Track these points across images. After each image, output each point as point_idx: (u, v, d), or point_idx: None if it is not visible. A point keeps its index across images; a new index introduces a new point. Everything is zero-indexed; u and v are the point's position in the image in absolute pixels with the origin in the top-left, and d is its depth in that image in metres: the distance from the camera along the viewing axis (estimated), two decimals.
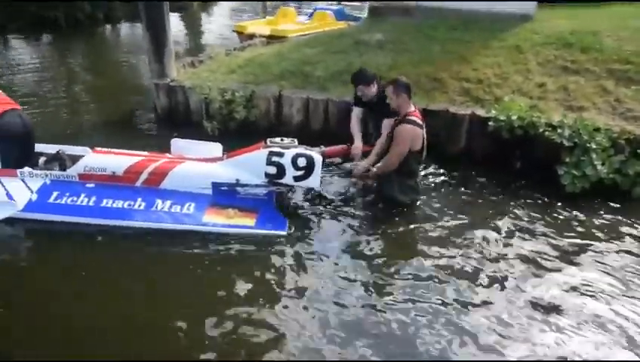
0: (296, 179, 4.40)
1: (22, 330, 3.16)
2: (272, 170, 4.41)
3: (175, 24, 13.89)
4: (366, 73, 4.97)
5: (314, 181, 4.42)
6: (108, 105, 7.86)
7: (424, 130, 4.41)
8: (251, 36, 10.54)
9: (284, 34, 10.59)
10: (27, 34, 13.75)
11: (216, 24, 17.73)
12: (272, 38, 9.93)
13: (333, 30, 8.91)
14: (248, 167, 4.49)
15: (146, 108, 7.21)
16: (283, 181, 4.44)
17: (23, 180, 4.48)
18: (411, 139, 4.32)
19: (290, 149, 4.43)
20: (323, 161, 4.48)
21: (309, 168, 4.36)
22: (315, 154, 4.42)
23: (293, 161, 4.36)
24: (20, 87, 8.57)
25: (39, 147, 4.92)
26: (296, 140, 4.62)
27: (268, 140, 4.58)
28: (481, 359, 2.98)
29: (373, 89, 4.87)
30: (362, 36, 7.29)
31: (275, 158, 4.39)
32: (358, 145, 4.94)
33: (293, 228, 4.23)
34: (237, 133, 6.01)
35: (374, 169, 4.54)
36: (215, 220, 4.25)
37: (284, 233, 4.16)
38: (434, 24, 7.37)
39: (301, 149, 4.45)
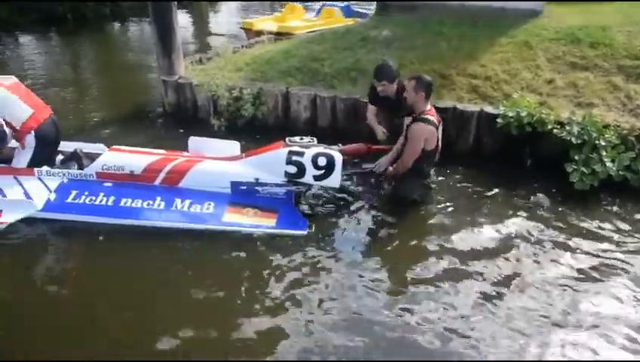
0: (317, 178, 4.40)
1: (23, 331, 3.18)
2: (292, 169, 4.40)
3: (183, 21, 13.92)
4: (391, 69, 4.89)
5: (334, 180, 4.40)
6: (116, 101, 7.88)
7: (439, 129, 4.40)
8: (259, 33, 10.54)
9: (292, 30, 10.58)
10: (35, 30, 13.79)
11: (223, 21, 17.73)
12: (279, 35, 9.91)
13: (340, 27, 8.87)
14: (268, 166, 4.49)
15: (154, 105, 7.23)
16: (303, 180, 4.44)
17: (40, 179, 4.48)
18: (425, 138, 4.30)
19: (310, 148, 4.42)
20: (343, 160, 4.45)
21: (330, 167, 4.36)
22: (336, 153, 4.41)
23: (314, 160, 4.36)
24: (29, 84, 8.58)
25: None
26: (315, 139, 4.61)
27: (287, 139, 4.57)
28: (479, 359, 2.97)
29: (395, 86, 4.84)
30: (369, 33, 7.26)
31: (295, 157, 4.39)
32: (380, 135, 5.03)
33: (313, 228, 4.22)
34: (245, 130, 6.01)
35: (391, 168, 4.55)
36: (236, 220, 4.23)
37: (304, 233, 4.14)
38: (441, 21, 7.31)
39: (321, 148, 4.44)
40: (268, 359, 2.98)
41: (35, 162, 4.54)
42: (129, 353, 2.98)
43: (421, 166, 4.42)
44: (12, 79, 4.63)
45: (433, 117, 4.35)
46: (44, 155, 4.61)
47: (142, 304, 3.42)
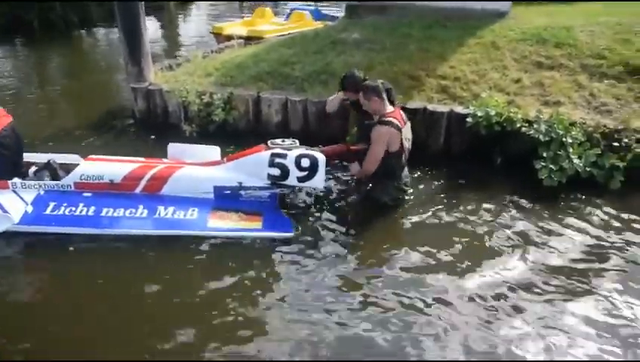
0: (300, 179, 4.40)
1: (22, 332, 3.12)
2: (276, 171, 4.40)
3: (151, 27, 13.76)
4: (355, 80, 4.69)
5: (318, 181, 4.42)
6: (85, 109, 7.73)
7: (404, 130, 4.34)
8: (229, 38, 10.48)
9: (262, 34, 10.56)
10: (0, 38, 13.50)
11: (192, 26, 17.60)
12: (249, 39, 9.88)
13: (309, 30, 8.89)
14: (251, 170, 4.47)
15: (124, 112, 7.12)
16: (287, 182, 4.44)
17: (15, 192, 4.33)
18: (387, 140, 4.26)
19: (292, 150, 4.43)
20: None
21: (313, 168, 4.36)
22: (319, 154, 4.41)
23: (297, 162, 4.36)
24: None
25: (27, 156, 4.79)
26: (297, 141, 4.61)
27: (269, 142, 4.56)
28: (478, 359, 3.00)
29: (360, 95, 4.83)
30: (339, 35, 7.29)
31: (278, 160, 4.38)
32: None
33: (300, 229, 4.22)
34: (216, 135, 5.96)
35: (356, 170, 4.55)
36: (221, 224, 4.20)
37: (291, 234, 4.13)
38: (410, 22, 7.40)
39: (304, 150, 4.44)
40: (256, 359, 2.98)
41: (1, 173, 4.41)
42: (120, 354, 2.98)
43: (390, 168, 4.40)
44: None
45: (396, 119, 4.30)
46: (7, 165, 4.48)
47: (129, 310, 3.40)
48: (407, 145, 4.43)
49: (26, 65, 11.60)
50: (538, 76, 5.79)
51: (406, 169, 4.61)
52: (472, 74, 5.98)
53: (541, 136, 4.84)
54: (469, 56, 6.28)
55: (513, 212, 4.50)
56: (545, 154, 4.79)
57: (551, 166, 4.73)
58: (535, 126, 4.91)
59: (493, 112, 5.06)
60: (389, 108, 4.37)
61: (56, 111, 7.95)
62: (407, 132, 4.42)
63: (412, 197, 4.71)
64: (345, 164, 4.94)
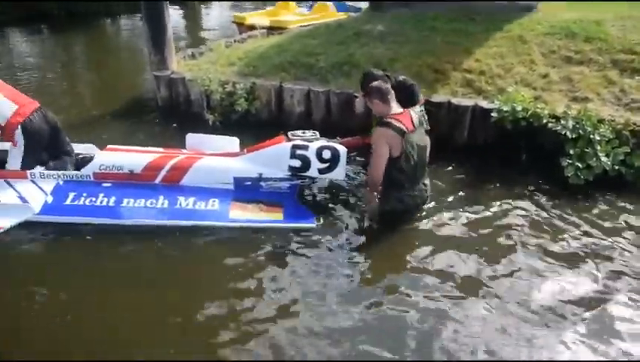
0: (321, 171, 4.41)
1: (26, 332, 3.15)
2: (297, 163, 4.40)
3: (174, 16, 13.81)
4: (368, 79, 4.36)
5: (339, 173, 4.42)
6: (108, 98, 7.79)
7: (412, 135, 3.95)
8: (251, 27, 10.46)
9: (284, 25, 10.51)
10: (25, 27, 13.63)
11: (215, 15, 17.62)
12: (272, 29, 9.85)
13: (333, 21, 8.82)
14: (271, 161, 4.47)
15: (147, 101, 7.17)
16: (307, 174, 4.43)
17: (33, 181, 4.36)
18: (386, 142, 3.89)
19: (314, 142, 4.42)
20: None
21: (334, 160, 4.36)
22: (340, 146, 4.40)
23: (318, 154, 4.36)
24: (18, 81, 8.50)
25: None
26: (317, 132, 4.60)
27: (289, 133, 4.56)
28: (481, 359, 2.94)
29: None
30: (363, 27, 7.22)
31: (299, 151, 4.38)
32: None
33: (321, 220, 4.20)
34: (239, 124, 5.96)
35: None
36: (242, 215, 4.19)
37: (312, 225, 4.11)
38: (435, 15, 7.30)
39: (325, 141, 4.44)
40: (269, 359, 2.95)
41: (30, 161, 4.42)
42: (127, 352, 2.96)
43: (394, 176, 4.00)
44: None
45: (400, 121, 3.90)
46: (37, 152, 4.48)
47: (135, 303, 3.37)
48: (416, 152, 3.98)
49: (51, 53, 11.73)
50: (566, 71, 5.67)
51: (425, 178, 4.25)
52: (498, 68, 5.87)
53: (568, 133, 4.73)
54: (495, 50, 6.17)
55: (537, 210, 4.41)
56: (572, 152, 4.68)
57: (578, 163, 4.62)
58: (562, 122, 4.80)
59: (519, 107, 4.96)
60: (396, 110, 4.02)
61: (80, 98, 8.03)
62: (417, 138, 4.03)
63: (434, 192, 4.62)
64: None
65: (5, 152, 4.52)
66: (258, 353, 2.95)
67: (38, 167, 4.46)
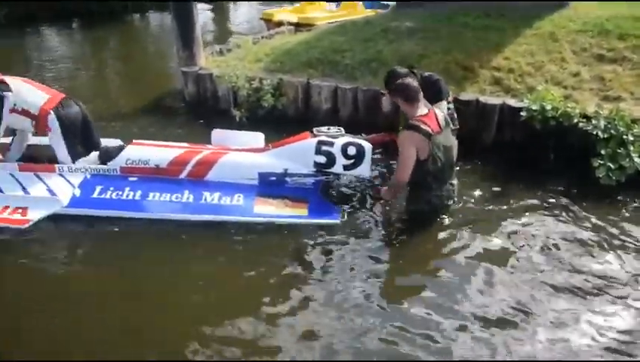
0: (347, 167, 4.42)
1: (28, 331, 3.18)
2: (322, 159, 4.42)
3: (202, 12, 13.91)
4: (390, 80, 4.29)
5: (364, 169, 4.43)
6: (137, 93, 7.90)
7: (438, 136, 3.85)
8: (279, 24, 10.48)
9: (312, 21, 10.50)
10: (58, 24, 13.86)
11: (243, 12, 17.69)
12: (299, 26, 9.85)
13: (360, 18, 8.79)
14: (297, 157, 4.49)
15: (175, 96, 7.24)
16: (332, 170, 4.44)
17: (62, 175, 4.45)
18: (413, 145, 3.79)
19: (339, 138, 4.43)
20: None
21: (359, 156, 4.38)
22: (365, 142, 4.41)
23: (344, 150, 4.37)
24: (51, 76, 8.67)
25: None
26: (342, 129, 4.61)
27: (314, 129, 4.58)
28: (484, 359, 2.92)
29: None
30: (391, 24, 7.17)
31: (324, 147, 4.40)
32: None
33: (346, 217, 4.20)
34: (265, 120, 5.99)
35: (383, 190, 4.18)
36: (267, 211, 4.21)
37: (337, 221, 4.12)
38: (465, 11, 7.21)
39: (350, 138, 4.45)
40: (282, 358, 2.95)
41: (75, 150, 4.49)
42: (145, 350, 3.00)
43: (421, 178, 3.92)
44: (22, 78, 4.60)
45: (425, 123, 3.80)
46: (76, 136, 4.51)
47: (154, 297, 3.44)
48: (443, 153, 3.90)
49: (82, 48, 11.96)
50: (598, 70, 5.54)
51: (453, 178, 4.18)
52: (528, 66, 5.77)
53: (600, 133, 4.63)
54: (525, 48, 6.06)
55: (566, 212, 4.32)
56: (603, 152, 4.58)
57: (609, 164, 4.52)
58: (594, 122, 4.70)
59: (548, 106, 4.86)
60: (422, 111, 3.88)
61: (109, 93, 8.17)
62: (444, 139, 3.92)
63: (461, 191, 4.58)
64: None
65: (50, 148, 4.56)
66: (280, 348, 2.97)
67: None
